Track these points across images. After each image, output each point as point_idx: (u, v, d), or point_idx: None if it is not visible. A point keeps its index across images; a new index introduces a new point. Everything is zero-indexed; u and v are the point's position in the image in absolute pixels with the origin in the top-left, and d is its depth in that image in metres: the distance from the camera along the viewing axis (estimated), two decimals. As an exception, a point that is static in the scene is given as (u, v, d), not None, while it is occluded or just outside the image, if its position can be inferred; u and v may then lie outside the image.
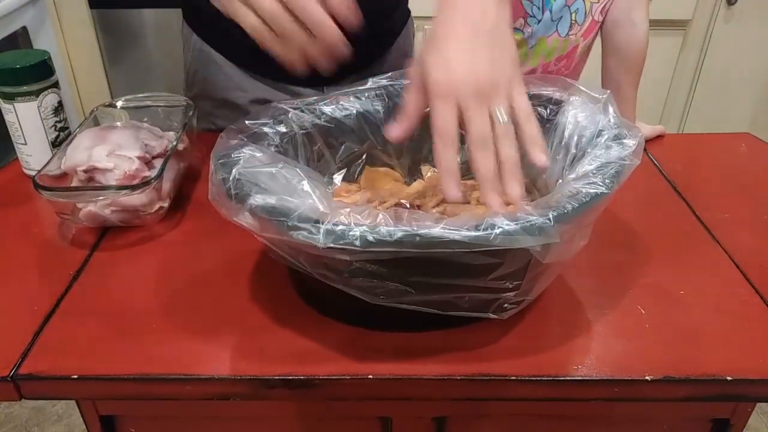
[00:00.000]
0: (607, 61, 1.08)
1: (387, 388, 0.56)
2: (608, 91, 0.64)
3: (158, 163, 0.77)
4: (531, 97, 0.70)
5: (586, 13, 1.02)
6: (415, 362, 0.56)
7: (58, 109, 0.84)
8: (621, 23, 1.04)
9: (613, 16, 1.04)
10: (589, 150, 0.59)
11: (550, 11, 1.01)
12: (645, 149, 0.87)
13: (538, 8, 1.02)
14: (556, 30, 1.03)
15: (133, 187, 0.70)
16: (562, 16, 1.02)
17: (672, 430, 0.70)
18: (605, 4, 1.02)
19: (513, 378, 0.55)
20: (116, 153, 0.74)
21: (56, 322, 0.61)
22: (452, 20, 0.57)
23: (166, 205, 0.76)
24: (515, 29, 1.04)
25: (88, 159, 0.72)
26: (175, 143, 0.79)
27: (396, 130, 0.60)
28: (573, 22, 1.03)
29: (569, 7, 1.02)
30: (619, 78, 1.07)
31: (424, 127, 0.73)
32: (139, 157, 0.74)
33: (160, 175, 0.72)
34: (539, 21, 1.02)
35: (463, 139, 0.56)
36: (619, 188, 0.53)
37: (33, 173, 0.86)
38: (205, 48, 0.98)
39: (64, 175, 0.75)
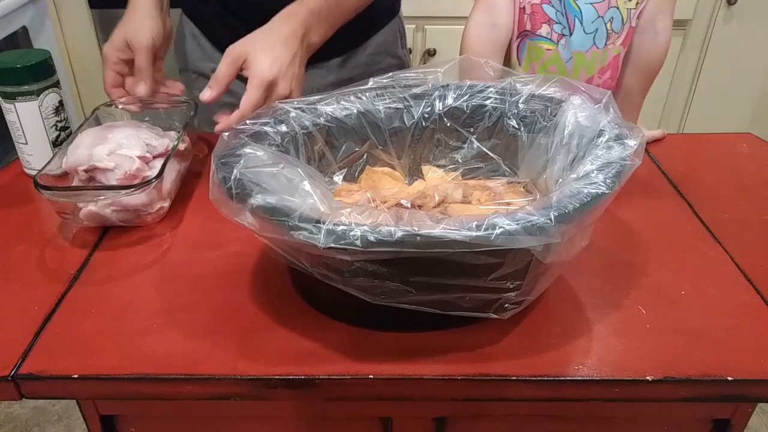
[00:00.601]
0: (622, 66, 1.06)
1: (387, 388, 0.56)
2: (609, 92, 0.64)
3: (159, 162, 0.76)
4: (532, 96, 0.70)
5: (623, 20, 0.99)
6: (415, 362, 0.56)
7: (59, 108, 0.84)
8: (644, 30, 1.00)
9: (639, 23, 1.02)
10: (589, 150, 0.59)
11: (581, 22, 0.98)
12: (646, 149, 0.87)
13: (562, 14, 0.99)
14: (594, 44, 0.99)
15: (133, 187, 0.70)
16: (597, 29, 0.98)
17: (672, 430, 0.70)
18: (641, 8, 1.00)
19: (513, 378, 0.55)
20: (117, 152, 0.74)
21: (56, 322, 0.61)
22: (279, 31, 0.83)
23: (166, 205, 0.76)
24: (542, 37, 0.99)
25: (89, 158, 0.72)
26: (176, 143, 0.79)
27: (209, 94, 0.81)
28: (610, 31, 0.98)
29: (602, 17, 0.97)
30: (630, 84, 1.04)
31: (425, 128, 0.74)
32: (140, 157, 0.74)
33: (160, 175, 0.72)
34: (571, 32, 0.99)
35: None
36: (620, 188, 0.53)
37: (34, 173, 0.86)
38: (188, 24, 1.05)
39: (65, 175, 0.75)
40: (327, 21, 0.90)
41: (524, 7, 0.99)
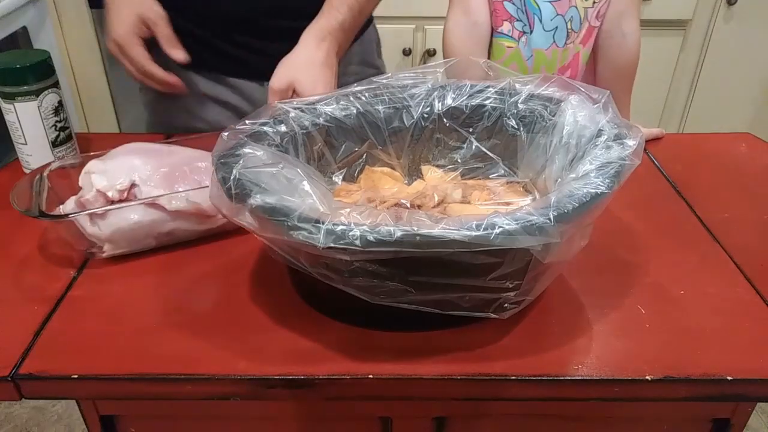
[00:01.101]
0: (598, 70, 1.07)
1: (387, 388, 0.56)
2: (608, 92, 0.64)
3: (135, 208, 0.68)
4: (531, 96, 0.70)
5: (581, 19, 1.01)
6: (415, 362, 0.56)
7: (58, 108, 0.84)
8: (612, 34, 1.02)
9: (604, 26, 1.02)
10: (589, 150, 0.59)
11: (540, 20, 0.99)
12: (645, 149, 0.87)
13: (522, 11, 0.99)
14: (554, 42, 1.00)
15: (43, 215, 0.67)
16: (556, 27, 0.99)
17: (672, 430, 0.70)
18: (599, 8, 1.00)
19: (513, 378, 0.55)
20: (92, 174, 0.69)
21: (56, 322, 0.61)
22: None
23: (102, 252, 0.69)
24: (503, 35, 1.01)
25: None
26: (153, 196, 0.68)
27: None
28: (570, 30, 1.00)
29: (563, 16, 0.99)
30: (612, 86, 1.05)
31: (424, 128, 0.74)
32: (99, 191, 0.68)
33: (53, 216, 0.67)
34: (531, 30, 1.00)
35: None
36: (619, 188, 0.53)
37: (33, 173, 0.86)
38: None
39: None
40: (351, 31, 0.91)
41: (489, 3, 1.00)
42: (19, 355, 0.56)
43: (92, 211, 0.67)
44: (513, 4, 0.99)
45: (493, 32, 1.02)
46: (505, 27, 1.01)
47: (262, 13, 0.94)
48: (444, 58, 1.06)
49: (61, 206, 0.71)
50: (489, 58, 1.05)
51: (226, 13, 0.94)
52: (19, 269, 0.69)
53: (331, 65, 0.85)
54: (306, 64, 0.83)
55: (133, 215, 0.68)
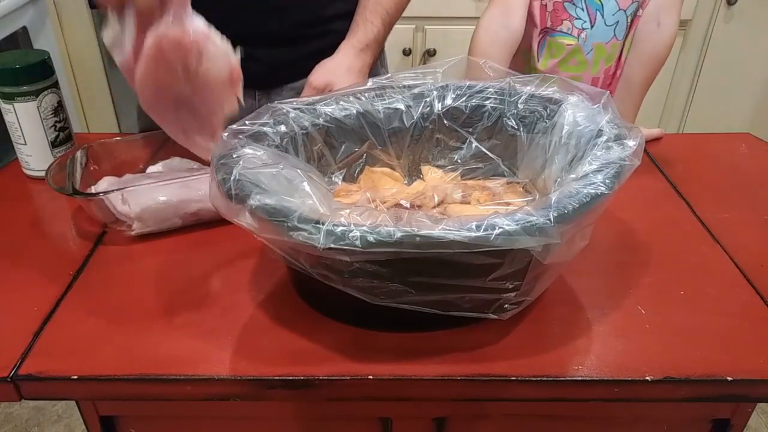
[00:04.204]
0: (627, 57, 1.06)
1: (387, 389, 0.56)
2: (607, 92, 0.64)
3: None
4: (531, 96, 0.70)
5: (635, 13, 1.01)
6: (415, 362, 0.56)
7: (58, 109, 0.84)
8: (647, 21, 1.02)
9: (642, 16, 1.02)
10: (588, 150, 0.59)
11: (602, 15, 1.00)
12: (645, 149, 0.87)
13: (582, 9, 1.00)
14: (614, 35, 1.02)
15: (76, 192, 0.71)
16: (618, 21, 1.00)
17: (672, 430, 0.70)
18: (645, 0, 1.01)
19: (513, 378, 0.55)
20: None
21: (56, 322, 0.61)
22: None
23: (130, 230, 0.72)
24: (563, 33, 1.02)
25: None
26: (182, 177, 0.74)
27: None
28: (629, 24, 1.02)
29: (625, 11, 1.00)
30: (631, 74, 1.05)
31: (424, 129, 0.74)
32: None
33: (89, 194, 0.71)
34: (592, 25, 1.00)
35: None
36: (619, 188, 0.53)
37: (33, 173, 0.86)
38: None
39: None
40: (382, 43, 0.97)
41: (546, 5, 1.01)
42: (19, 356, 0.56)
43: (124, 189, 0.71)
44: (573, 4, 1.01)
45: (551, 32, 1.03)
46: (565, 26, 1.02)
47: (258, 20, 0.94)
48: (469, 53, 1.06)
49: (93, 186, 0.75)
50: (545, 56, 1.06)
51: (220, 19, 0.94)
52: (17, 271, 0.69)
53: (365, 76, 0.91)
54: (345, 70, 0.88)
55: (161, 195, 0.71)
